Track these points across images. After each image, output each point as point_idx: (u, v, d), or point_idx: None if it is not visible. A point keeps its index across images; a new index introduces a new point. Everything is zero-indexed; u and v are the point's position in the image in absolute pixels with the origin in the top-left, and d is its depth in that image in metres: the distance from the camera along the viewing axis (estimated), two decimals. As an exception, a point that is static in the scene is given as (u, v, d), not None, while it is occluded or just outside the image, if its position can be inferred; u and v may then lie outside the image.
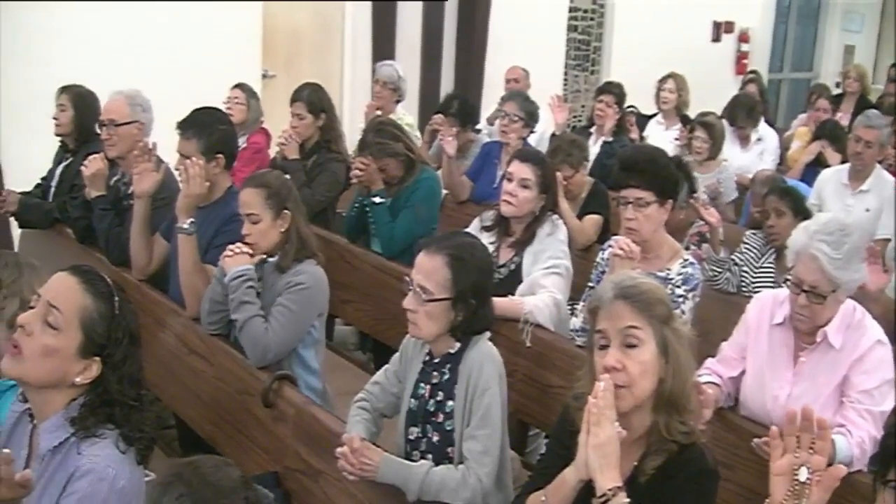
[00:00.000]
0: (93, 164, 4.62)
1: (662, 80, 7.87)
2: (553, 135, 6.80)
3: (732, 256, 4.94)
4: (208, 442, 3.95)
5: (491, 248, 4.27)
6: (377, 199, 4.95)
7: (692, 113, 7.56)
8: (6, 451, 2.15)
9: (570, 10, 10.59)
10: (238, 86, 6.62)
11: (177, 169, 4.17)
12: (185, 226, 3.99)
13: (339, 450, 2.92)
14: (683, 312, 3.65)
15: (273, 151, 6.27)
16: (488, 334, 3.09)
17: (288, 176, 5.36)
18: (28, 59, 6.76)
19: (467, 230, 4.30)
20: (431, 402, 3.06)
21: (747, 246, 5.05)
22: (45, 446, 2.32)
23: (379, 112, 6.52)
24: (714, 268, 4.77)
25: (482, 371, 2.95)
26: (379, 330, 4.97)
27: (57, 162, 5.54)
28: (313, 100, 5.72)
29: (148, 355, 4.20)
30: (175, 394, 4.17)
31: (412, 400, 3.10)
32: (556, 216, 4.35)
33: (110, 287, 2.40)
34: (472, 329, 3.02)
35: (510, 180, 4.28)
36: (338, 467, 2.94)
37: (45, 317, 2.30)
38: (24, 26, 6.83)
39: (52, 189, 5.45)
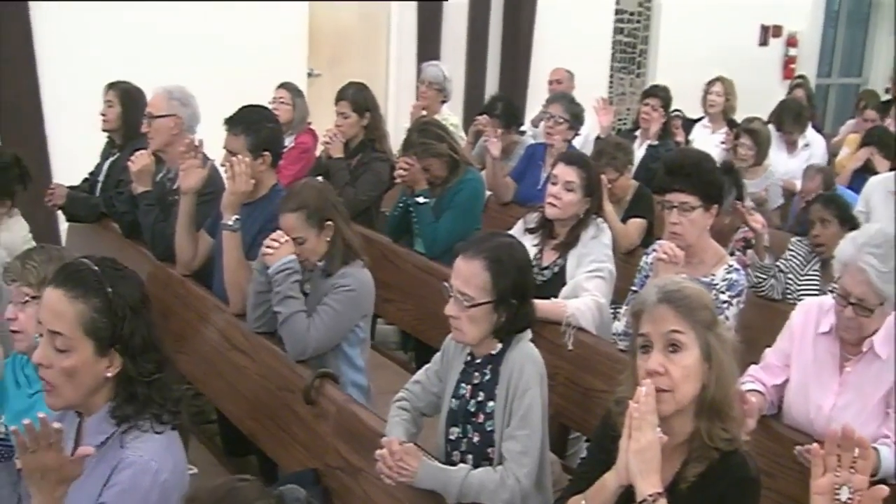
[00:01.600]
0: (139, 160, 4.67)
1: (710, 84, 7.81)
2: (598, 138, 6.79)
3: (777, 263, 4.90)
4: (249, 438, 3.98)
5: (534, 251, 4.27)
6: (421, 200, 4.96)
7: (739, 117, 7.50)
8: (58, 425, 2.17)
9: (616, 12, 10.55)
10: (283, 85, 6.63)
11: (223, 165, 4.20)
12: (230, 222, 4.02)
13: (378, 453, 2.92)
14: (727, 318, 3.62)
15: (319, 150, 6.29)
16: (530, 335, 3.08)
17: (331, 175, 5.45)
18: (77, 56, 6.84)
19: (510, 232, 4.30)
20: (472, 402, 3.05)
21: (792, 253, 5.00)
22: (91, 442, 2.33)
23: (424, 112, 6.54)
24: (759, 274, 4.72)
25: (523, 372, 2.95)
26: (420, 329, 4.98)
27: (104, 157, 5.60)
28: (358, 99, 5.75)
29: (191, 350, 4.31)
30: (217, 389, 4.20)
31: (453, 400, 3.10)
32: (600, 219, 4.34)
33: (96, 272, 2.35)
34: (515, 328, 3.02)
35: (554, 183, 4.27)
36: (376, 471, 2.95)
37: (54, 344, 2.30)
38: (74, 23, 6.92)
39: (99, 184, 5.51)
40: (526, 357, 2.99)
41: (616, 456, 2.33)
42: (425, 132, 5.03)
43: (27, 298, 2.97)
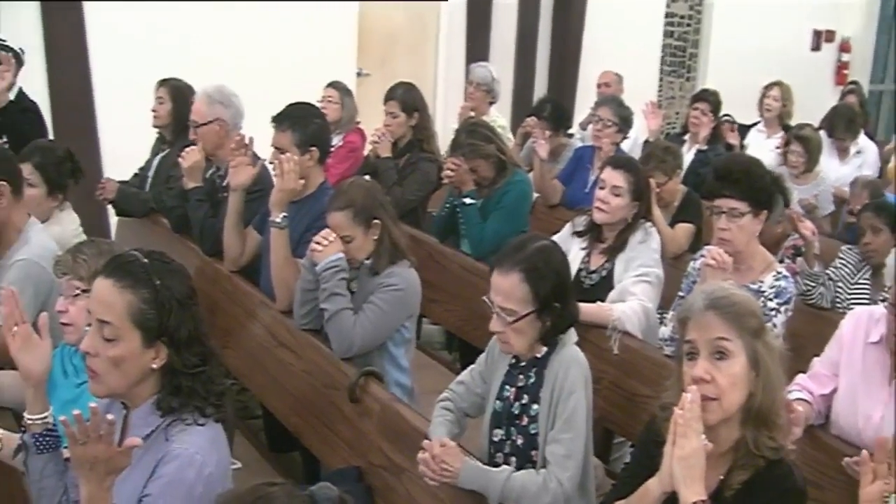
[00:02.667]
0: (190, 156, 4.71)
1: (768, 88, 7.75)
2: (646, 141, 6.74)
3: (827, 271, 4.84)
4: (294, 434, 4.00)
5: (582, 254, 4.27)
6: (468, 200, 4.96)
7: (791, 123, 7.43)
8: (110, 416, 2.19)
9: (667, 15, 10.49)
10: (332, 84, 6.67)
11: (271, 163, 4.23)
12: (278, 220, 4.05)
13: (420, 455, 2.93)
14: (775, 326, 3.59)
15: (367, 150, 6.32)
16: (575, 338, 3.07)
17: (379, 174, 5.47)
18: (129, 53, 6.93)
19: (558, 235, 4.30)
20: (516, 404, 3.05)
21: (842, 261, 4.94)
22: (137, 433, 2.34)
23: (472, 113, 6.54)
24: (808, 282, 4.67)
25: (568, 375, 2.94)
26: (466, 330, 4.98)
27: (154, 153, 5.67)
28: (406, 99, 5.76)
29: (237, 346, 4.34)
30: (263, 385, 4.23)
31: (497, 402, 3.10)
32: (648, 224, 4.32)
33: (145, 265, 2.37)
34: (560, 329, 3.01)
35: (602, 187, 4.26)
36: (419, 473, 2.96)
37: (101, 333, 2.33)
38: (127, 20, 7.02)
39: (149, 179, 5.57)
40: (571, 360, 2.98)
41: (660, 462, 2.32)
42: (473, 133, 5.03)
43: (77, 292, 3.00)
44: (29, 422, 2.63)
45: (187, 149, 4.77)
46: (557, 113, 6.60)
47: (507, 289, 2.92)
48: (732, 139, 7.17)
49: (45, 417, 2.63)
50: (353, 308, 3.72)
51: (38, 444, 2.62)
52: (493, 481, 2.87)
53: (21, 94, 5.42)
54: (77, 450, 2.19)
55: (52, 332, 2.75)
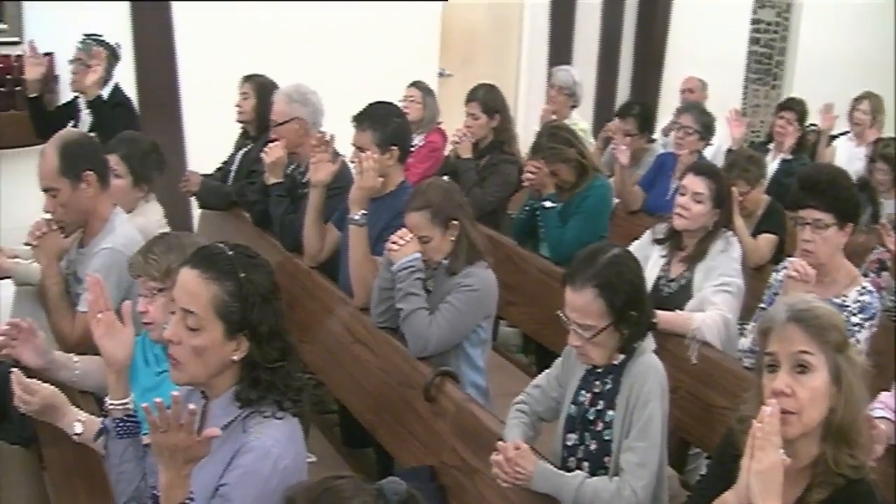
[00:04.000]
0: (273, 152, 4.77)
1: (857, 101, 7.57)
2: (729, 150, 6.65)
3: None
4: (368, 430, 4.02)
5: (662, 262, 4.23)
6: (548, 204, 4.95)
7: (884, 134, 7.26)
8: (192, 406, 2.23)
9: (753, 21, 10.33)
10: (414, 84, 6.69)
11: (352, 161, 4.26)
12: (357, 217, 4.08)
13: (493, 457, 2.93)
14: (858, 341, 3.53)
15: (448, 150, 6.33)
16: (653, 346, 3.05)
17: (459, 175, 5.48)
18: (215, 50, 7.05)
19: (637, 241, 4.27)
20: (591, 410, 3.04)
21: (930, 277, 4.83)
22: (216, 423, 2.38)
23: (553, 116, 6.52)
24: (894, 298, 4.57)
25: (645, 383, 2.92)
26: (542, 334, 4.96)
27: (238, 147, 5.75)
28: (488, 100, 5.76)
29: (314, 341, 4.38)
30: (339, 380, 4.26)
31: (572, 406, 3.09)
32: (730, 233, 4.26)
33: (230, 257, 2.41)
34: (638, 336, 2.99)
35: (683, 194, 4.21)
36: (492, 475, 2.96)
37: (185, 322, 2.36)
38: (213, 18, 7.15)
39: (232, 173, 5.65)
40: (649, 368, 2.95)
41: (736, 475, 2.29)
42: (554, 136, 5.01)
43: (154, 291, 3.04)
44: (110, 407, 2.70)
45: (270, 144, 4.83)
46: (645, 116, 6.54)
47: (582, 305, 2.92)
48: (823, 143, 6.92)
49: (126, 403, 2.69)
50: (428, 308, 3.73)
51: (118, 428, 2.68)
52: (567, 486, 2.86)
53: (116, 89, 5.55)
54: (158, 437, 2.23)
55: (134, 320, 2.81)
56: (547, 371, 3.29)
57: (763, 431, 2.22)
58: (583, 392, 3.08)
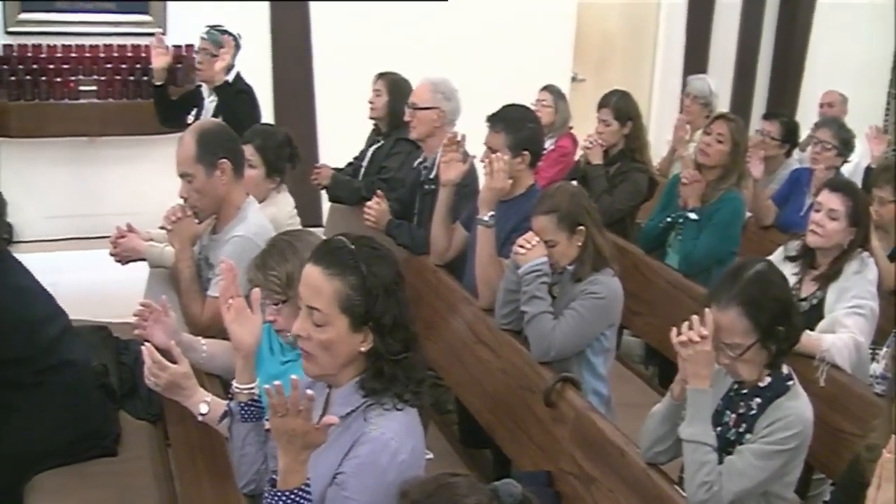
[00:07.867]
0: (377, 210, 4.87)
1: None
2: (868, 167, 6.44)
3: None
4: (486, 431, 4.01)
5: (794, 280, 4.09)
6: (692, 216, 4.88)
7: None
8: (310, 392, 2.25)
9: (899, 34, 9.99)
10: (546, 87, 6.65)
11: (482, 161, 4.26)
12: (485, 218, 4.07)
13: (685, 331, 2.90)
14: None
15: (578, 155, 6.28)
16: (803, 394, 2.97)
17: (589, 181, 5.42)
18: (350, 48, 7.16)
19: (768, 258, 4.15)
20: (733, 431, 2.98)
21: None
22: (337, 412, 2.40)
23: (688, 126, 6.41)
24: None
25: (788, 429, 2.85)
26: (667, 346, 4.83)
27: (369, 143, 5.82)
28: (621, 107, 5.68)
29: (437, 338, 4.39)
30: (459, 379, 4.27)
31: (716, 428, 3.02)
32: (865, 253, 4.11)
33: (352, 251, 2.41)
34: (786, 350, 2.95)
35: (818, 210, 4.09)
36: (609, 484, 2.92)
37: (311, 318, 2.38)
38: (349, 18, 7.29)
39: (362, 169, 5.71)
40: (798, 418, 2.88)
41: (862, 504, 2.20)
42: None
43: (279, 303, 3.07)
44: (236, 390, 2.76)
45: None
46: (789, 127, 6.34)
47: (728, 324, 2.87)
48: None
49: (252, 388, 2.74)
50: (553, 312, 3.70)
51: (243, 412, 2.74)
52: (701, 433, 2.86)
53: (238, 77, 5.67)
54: (276, 421, 2.26)
55: (263, 308, 2.85)
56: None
57: (892, 462, 2.12)
58: (728, 412, 3.01)
